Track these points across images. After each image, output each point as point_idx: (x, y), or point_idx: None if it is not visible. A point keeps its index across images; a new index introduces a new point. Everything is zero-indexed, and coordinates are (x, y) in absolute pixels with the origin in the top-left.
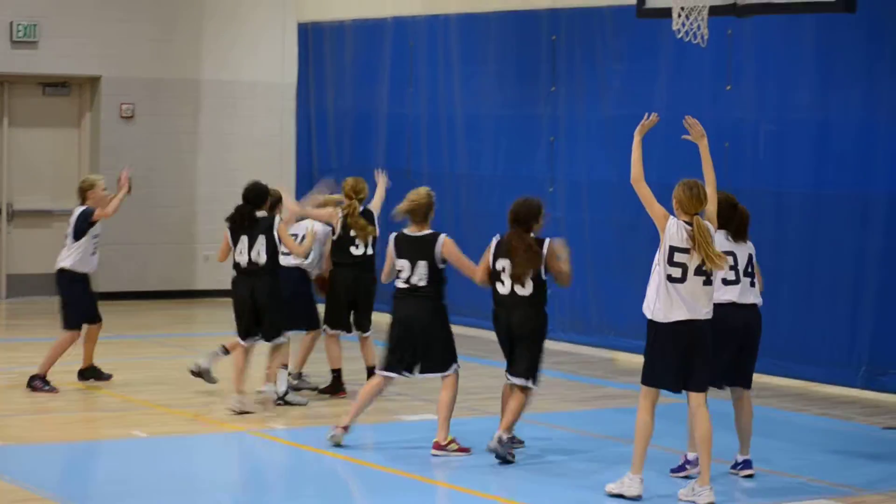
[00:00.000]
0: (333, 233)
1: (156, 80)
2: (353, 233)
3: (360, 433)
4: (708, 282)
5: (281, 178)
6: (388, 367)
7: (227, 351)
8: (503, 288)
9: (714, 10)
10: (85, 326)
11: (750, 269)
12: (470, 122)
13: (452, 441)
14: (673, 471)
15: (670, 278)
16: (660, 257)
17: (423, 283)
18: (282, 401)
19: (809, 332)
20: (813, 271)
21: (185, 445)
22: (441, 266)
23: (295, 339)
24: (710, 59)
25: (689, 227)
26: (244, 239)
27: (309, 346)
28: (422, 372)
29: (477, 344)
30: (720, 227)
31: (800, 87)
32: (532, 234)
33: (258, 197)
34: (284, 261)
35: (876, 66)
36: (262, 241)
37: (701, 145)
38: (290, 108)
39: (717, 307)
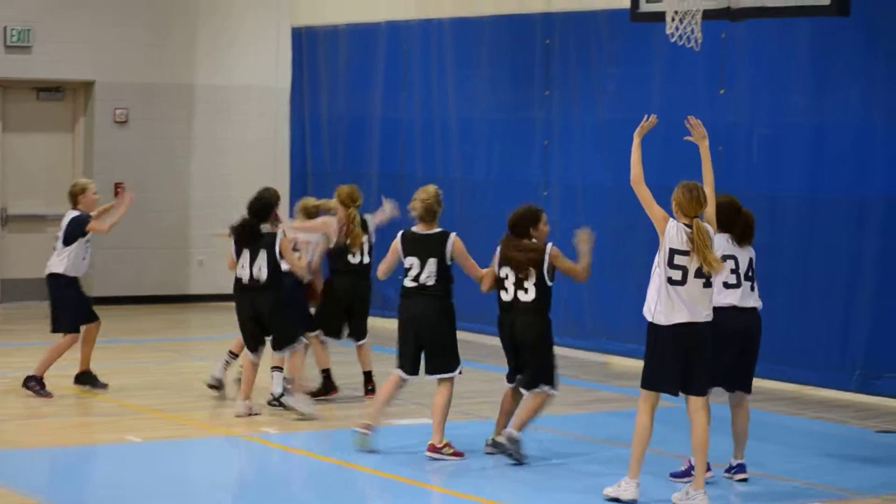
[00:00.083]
0: (329, 242)
1: (149, 84)
2: (348, 240)
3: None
4: (708, 284)
5: (275, 182)
6: (402, 367)
7: (234, 355)
8: (506, 295)
9: (708, 14)
10: (82, 328)
11: (750, 273)
12: (464, 126)
13: (447, 445)
14: (674, 475)
15: (671, 281)
16: (660, 260)
17: (432, 282)
18: (277, 402)
19: (804, 335)
20: (807, 275)
21: (179, 450)
22: (449, 264)
23: None
24: (704, 63)
25: (688, 230)
26: (246, 253)
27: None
28: (427, 373)
29: (473, 348)
30: (724, 230)
31: (794, 91)
32: (532, 241)
33: (263, 209)
34: None
35: (870, 69)
36: (263, 256)
37: (702, 146)
38: (283, 113)
39: (718, 310)
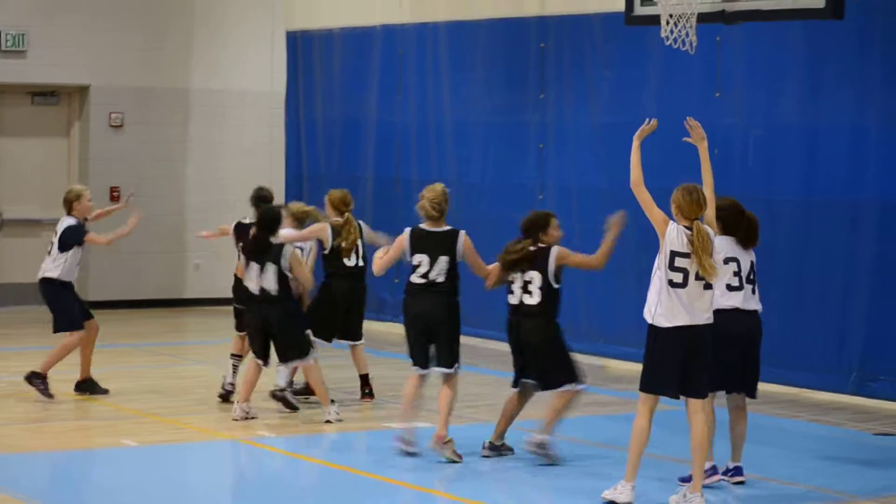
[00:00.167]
0: (323, 247)
1: (145, 89)
2: (343, 244)
3: (352, 440)
4: (708, 286)
5: (270, 186)
6: (417, 365)
7: (238, 356)
8: (513, 298)
9: (702, 17)
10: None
11: (752, 276)
12: (459, 129)
13: (451, 441)
14: (682, 480)
15: (672, 283)
16: (660, 262)
17: (441, 279)
18: (280, 393)
19: (800, 338)
20: (803, 278)
21: (177, 454)
22: (459, 261)
23: None
24: (699, 66)
25: (688, 232)
26: (254, 266)
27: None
28: (436, 366)
29: (473, 352)
30: (728, 233)
31: (789, 94)
32: (540, 245)
33: (273, 221)
34: None
35: (865, 71)
36: (271, 269)
37: (701, 148)
38: (279, 117)
39: (721, 313)
